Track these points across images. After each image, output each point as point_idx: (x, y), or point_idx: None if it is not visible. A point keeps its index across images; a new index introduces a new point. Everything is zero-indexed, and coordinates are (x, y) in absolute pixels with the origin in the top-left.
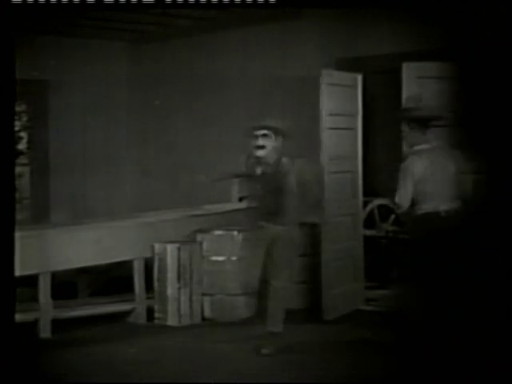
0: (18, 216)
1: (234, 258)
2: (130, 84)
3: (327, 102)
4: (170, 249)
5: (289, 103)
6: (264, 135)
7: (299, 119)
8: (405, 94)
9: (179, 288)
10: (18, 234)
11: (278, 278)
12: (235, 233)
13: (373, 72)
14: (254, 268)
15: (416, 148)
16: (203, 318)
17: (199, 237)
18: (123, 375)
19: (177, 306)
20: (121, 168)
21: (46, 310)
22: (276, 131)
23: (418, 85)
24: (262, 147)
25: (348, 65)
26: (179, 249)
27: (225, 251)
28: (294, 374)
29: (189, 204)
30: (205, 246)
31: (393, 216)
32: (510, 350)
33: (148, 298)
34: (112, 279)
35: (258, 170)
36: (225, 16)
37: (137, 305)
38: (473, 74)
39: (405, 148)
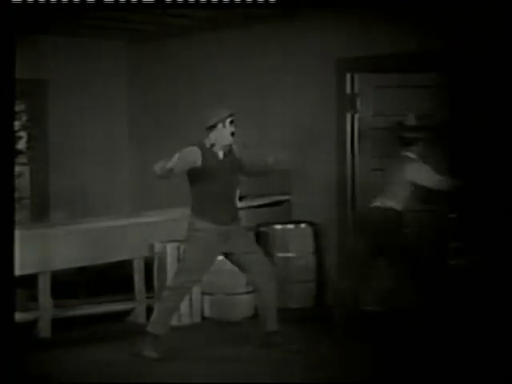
0: (18, 216)
1: None
2: (129, 83)
3: None
4: (170, 248)
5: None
6: (232, 122)
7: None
8: None
9: None
10: (17, 234)
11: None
12: None
13: (372, 72)
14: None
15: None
16: (203, 318)
17: None
18: (123, 375)
19: None
20: (120, 167)
21: (45, 310)
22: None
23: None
24: (233, 134)
25: (348, 65)
26: (179, 248)
27: None
28: (295, 374)
29: (188, 204)
30: None
31: None
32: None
33: (148, 298)
34: (112, 278)
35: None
36: (225, 16)
37: (137, 304)
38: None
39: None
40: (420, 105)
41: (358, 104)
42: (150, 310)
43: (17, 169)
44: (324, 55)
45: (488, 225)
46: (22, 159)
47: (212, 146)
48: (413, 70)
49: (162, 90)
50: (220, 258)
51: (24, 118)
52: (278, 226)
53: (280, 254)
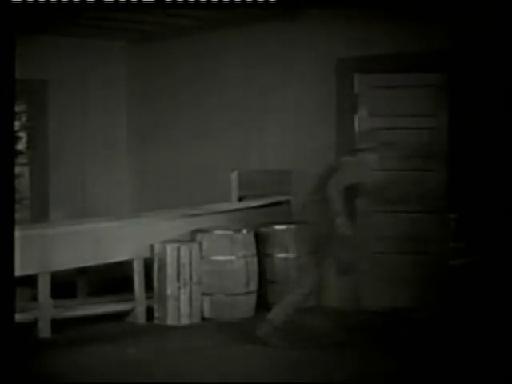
0: (18, 216)
1: (233, 258)
2: (129, 84)
3: None
4: (170, 248)
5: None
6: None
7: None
8: None
9: (179, 288)
10: (17, 234)
11: None
12: (234, 232)
13: (372, 72)
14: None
15: None
16: (203, 318)
17: (199, 236)
18: (123, 375)
19: (176, 305)
20: (120, 168)
21: (45, 310)
22: None
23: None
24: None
25: (348, 65)
26: (179, 249)
27: (224, 251)
28: (294, 373)
29: (188, 204)
30: (204, 245)
31: None
32: None
33: (147, 298)
34: (111, 279)
35: None
36: (225, 16)
37: (136, 304)
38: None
39: None
40: (420, 105)
41: (358, 104)
42: (149, 311)
43: (17, 169)
44: (324, 55)
45: (488, 225)
46: (22, 159)
47: None
48: (413, 70)
49: (161, 90)
50: (220, 258)
51: (24, 118)
52: (278, 226)
53: (280, 254)
